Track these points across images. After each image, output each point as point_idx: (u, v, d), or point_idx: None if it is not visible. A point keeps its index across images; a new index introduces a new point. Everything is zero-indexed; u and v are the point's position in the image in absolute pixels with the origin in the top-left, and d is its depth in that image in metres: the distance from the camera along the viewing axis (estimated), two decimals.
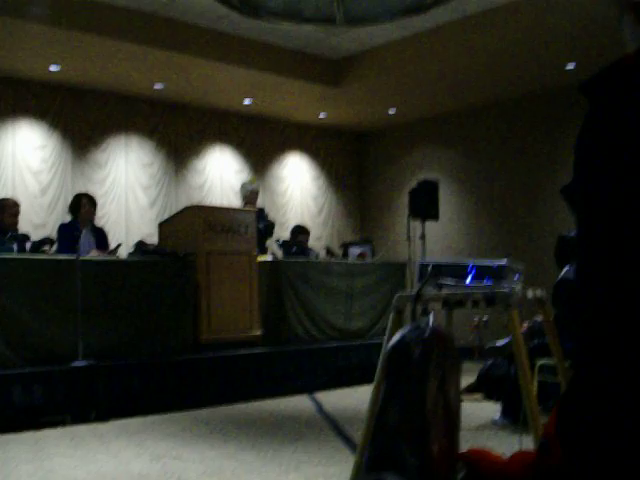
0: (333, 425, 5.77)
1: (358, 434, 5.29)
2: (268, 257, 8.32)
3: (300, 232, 9.65)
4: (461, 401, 1.56)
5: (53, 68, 9.07)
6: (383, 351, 2.49)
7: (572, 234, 5.91)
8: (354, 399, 7.17)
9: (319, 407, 6.74)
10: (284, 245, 8.83)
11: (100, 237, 7.77)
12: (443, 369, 1.45)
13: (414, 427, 1.42)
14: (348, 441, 5.11)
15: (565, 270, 5.66)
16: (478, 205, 11.39)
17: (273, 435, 5.40)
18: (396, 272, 9.30)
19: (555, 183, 10.39)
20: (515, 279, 2.54)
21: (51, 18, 7.76)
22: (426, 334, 1.45)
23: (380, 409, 1.46)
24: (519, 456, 1.54)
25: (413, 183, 9.46)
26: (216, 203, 10.68)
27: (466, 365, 7.99)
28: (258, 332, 7.63)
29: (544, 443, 1.38)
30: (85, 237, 7.12)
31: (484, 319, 10.14)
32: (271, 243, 9.20)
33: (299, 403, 7.03)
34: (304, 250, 9.24)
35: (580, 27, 8.14)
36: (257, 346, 7.60)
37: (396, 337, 1.47)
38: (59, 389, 6.08)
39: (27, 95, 9.56)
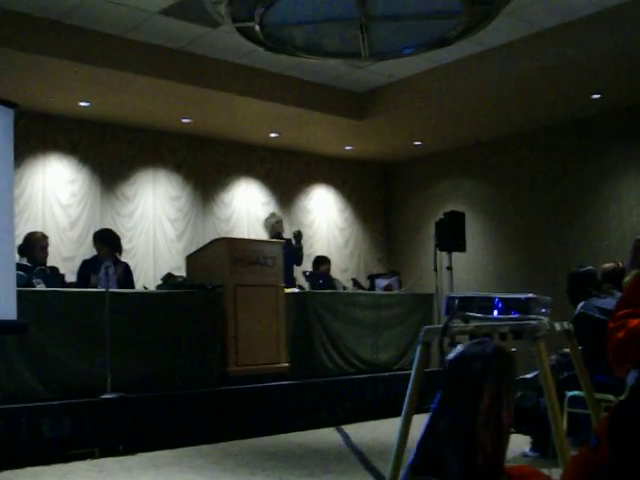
0: (361, 458, 5.74)
1: (387, 467, 5.28)
2: (295, 289, 8.34)
3: (321, 262, 9.68)
4: (512, 420, 1.56)
5: (82, 104, 9.21)
6: (411, 383, 2.49)
7: (584, 270, 5.91)
8: (382, 432, 7.14)
9: (347, 440, 6.71)
10: (311, 277, 8.85)
11: (127, 273, 7.80)
12: (500, 386, 1.46)
13: (461, 436, 1.42)
14: (377, 475, 5.08)
15: (581, 305, 5.65)
16: (505, 236, 11.35)
17: (301, 468, 5.38)
18: (423, 304, 9.28)
19: (583, 214, 10.35)
20: (542, 312, 2.54)
21: (80, 55, 7.90)
22: (488, 349, 1.46)
23: (432, 417, 1.47)
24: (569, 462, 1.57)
25: (439, 214, 9.48)
26: (243, 235, 10.74)
27: None
28: (285, 364, 7.62)
29: (594, 438, 1.43)
30: (110, 272, 7.17)
31: (513, 350, 10.05)
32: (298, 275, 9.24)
33: (327, 436, 7.00)
34: (330, 281, 9.25)
35: (603, 57, 8.15)
36: (284, 378, 7.59)
37: (457, 350, 1.48)
38: (88, 422, 6.11)
39: (57, 130, 9.72)
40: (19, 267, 6.03)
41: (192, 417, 6.70)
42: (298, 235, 9.20)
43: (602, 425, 1.50)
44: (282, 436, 6.97)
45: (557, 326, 2.63)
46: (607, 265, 6.01)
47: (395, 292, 9.32)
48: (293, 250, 8.96)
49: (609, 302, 5.53)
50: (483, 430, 1.43)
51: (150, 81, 8.54)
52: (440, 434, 1.45)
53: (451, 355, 1.49)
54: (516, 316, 2.48)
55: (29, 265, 6.93)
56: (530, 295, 2.53)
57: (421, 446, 1.47)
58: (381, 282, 9.48)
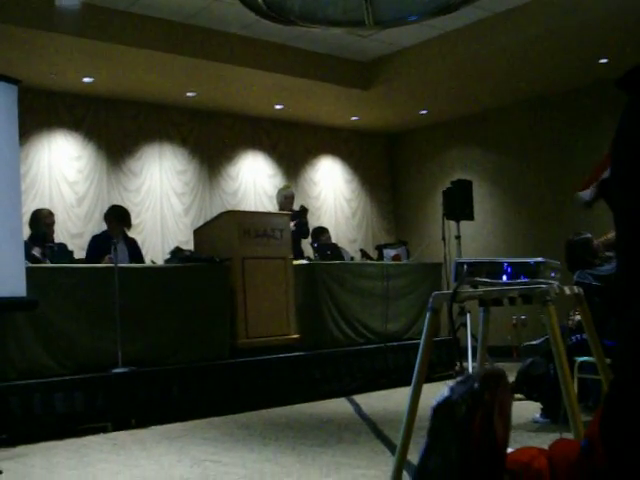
0: (372, 427, 5.77)
1: (398, 436, 5.29)
2: (303, 261, 8.34)
3: (320, 233, 9.64)
4: (509, 430, 1.55)
5: (86, 80, 9.18)
6: (420, 352, 2.49)
7: (578, 238, 5.88)
8: (392, 401, 7.17)
9: (358, 409, 6.74)
10: (319, 248, 8.84)
11: (135, 248, 7.82)
12: (492, 413, 1.44)
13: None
14: (388, 443, 5.10)
15: (577, 274, 5.64)
16: (512, 204, 11.32)
17: (312, 438, 5.40)
18: (432, 273, 9.27)
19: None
20: (552, 276, 2.53)
21: (83, 30, 7.86)
22: (475, 386, 1.44)
23: (420, 463, 1.47)
24: (559, 446, 1.53)
25: (446, 184, 9.44)
26: (250, 209, 10.73)
27: (505, 365, 7.94)
28: (295, 336, 7.64)
29: (586, 445, 1.37)
30: (121, 249, 7.18)
31: (522, 318, 10.07)
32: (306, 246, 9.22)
33: (337, 406, 7.03)
34: (338, 252, 9.24)
35: (612, 21, 8.06)
36: (294, 350, 7.61)
37: (442, 395, 1.47)
38: (100, 396, 6.14)
39: (61, 107, 9.70)
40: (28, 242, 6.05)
41: (203, 390, 6.73)
42: (303, 211, 9.15)
43: (592, 427, 1.38)
44: (293, 407, 7.00)
45: (567, 290, 2.62)
46: (611, 235, 5.98)
47: (403, 262, 9.31)
48: (299, 224, 8.94)
49: (605, 269, 5.53)
50: (478, 462, 1.42)
51: (153, 55, 8.50)
52: (432, 471, 1.45)
53: (435, 401, 1.48)
54: (525, 280, 2.47)
55: (36, 240, 6.95)
56: (539, 259, 2.51)
57: None
58: (389, 252, 9.46)
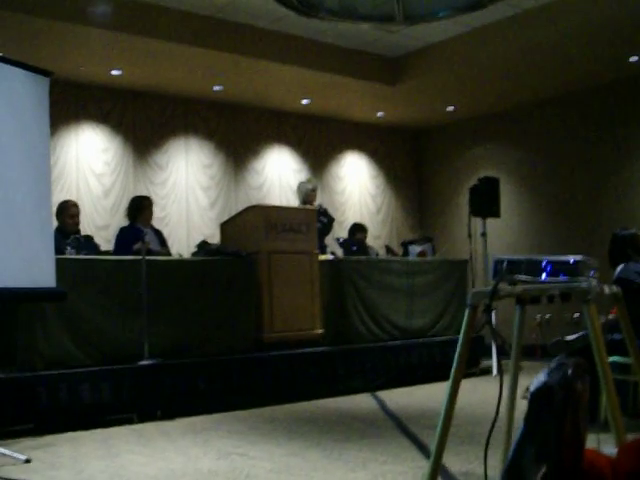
0: (397, 424, 5.75)
1: (423, 433, 5.29)
2: (328, 256, 8.32)
3: (358, 230, 9.64)
4: (587, 418, 1.55)
5: (115, 72, 9.22)
6: (459, 349, 2.47)
7: (625, 232, 5.79)
8: (416, 398, 7.16)
9: (382, 405, 6.73)
10: (344, 244, 8.82)
11: (161, 238, 7.87)
12: (580, 404, 1.44)
13: (547, 468, 1.42)
14: (414, 440, 5.09)
15: (619, 269, 5.56)
16: (539, 201, 11.25)
17: (338, 433, 5.40)
18: (457, 270, 9.23)
19: (618, 177, 10.22)
20: (590, 275, 2.51)
21: (112, 23, 7.89)
22: (569, 373, 1.44)
23: (515, 449, 1.46)
24: (628, 446, 1.53)
25: (473, 180, 9.38)
26: (275, 203, 10.73)
27: (528, 364, 7.90)
28: (320, 331, 7.64)
29: None
30: (150, 238, 7.21)
31: (546, 317, 10.02)
32: (331, 242, 9.20)
33: (362, 402, 7.03)
34: (364, 248, 9.23)
35: None
36: (319, 345, 7.61)
37: (538, 380, 1.47)
38: (126, 387, 6.18)
39: (89, 99, 9.75)
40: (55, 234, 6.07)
41: (228, 383, 6.75)
42: (323, 212, 9.01)
43: None
44: (317, 402, 7.00)
45: (606, 289, 2.59)
46: None
47: (429, 258, 9.28)
48: (323, 222, 8.90)
49: None
50: (566, 451, 1.42)
51: (181, 48, 8.51)
52: (524, 467, 1.44)
53: (533, 386, 1.47)
54: (564, 279, 2.44)
55: (63, 232, 6.99)
56: (579, 257, 2.49)
57: (509, 475, 1.46)
58: (414, 249, 9.44)
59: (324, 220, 8.88)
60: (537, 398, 1.45)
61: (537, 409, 1.44)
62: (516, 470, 1.44)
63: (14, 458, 4.62)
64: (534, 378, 1.50)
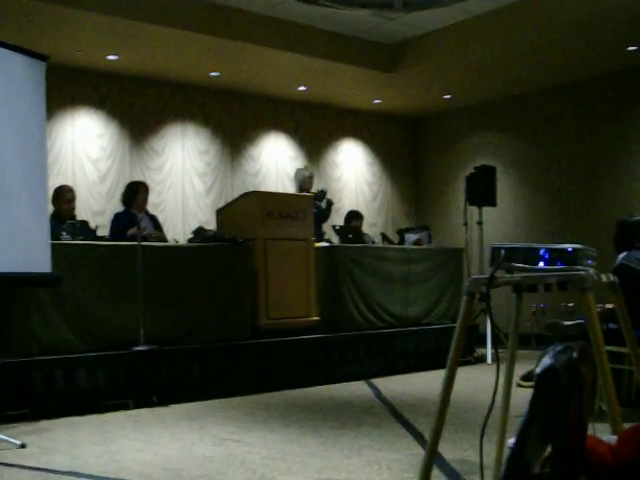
0: (392, 411, 5.77)
1: (418, 420, 5.31)
2: (324, 243, 8.32)
3: (354, 217, 9.64)
4: (594, 405, 1.57)
5: (111, 57, 9.18)
6: (455, 337, 2.47)
7: (632, 219, 5.79)
8: (411, 386, 7.17)
9: (377, 393, 6.75)
10: (340, 231, 8.82)
11: (156, 223, 7.85)
12: (583, 387, 1.45)
13: (553, 450, 1.42)
14: (409, 427, 5.10)
15: (622, 256, 5.56)
16: (535, 190, 11.25)
17: (333, 420, 5.41)
18: (453, 258, 9.24)
19: (615, 167, 10.22)
20: (588, 263, 2.51)
21: (109, 8, 7.84)
22: (574, 356, 1.44)
23: (521, 432, 1.46)
24: (628, 432, 1.53)
25: (469, 169, 9.38)
26: (271, 190, 10.71)
27: (523, 352, 7.92)
28: (316, 318, 7.64)
29: None
30: (145, 223, 7.20)
31: (541, 307, 10.04)
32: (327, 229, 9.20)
33: (357, 389, 7.04)
34: (360, 236, 9.23)
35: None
36: (314, 332, 7.62)
37: (544, 363, 1.47)
38: (121, 373, 6.18)
39: (86, 84, 9.70)
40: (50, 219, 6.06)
41: (224, 369, 6.76)
42: (322, 195, 9.01)
43: None
44: (312, 389, 7.02)
45: (603, 277, 2.59)
46: None
47: (425, 246, 9.29)
48: (320, 209, 8.91)
49: None
50: (571, 437, 1.42)
51: (178, 33, 8.47)
52: (529, 449, 1.44)
53: (538, 369, 1.47)
54: (562, 267, 2.44)
55: (58, 218, 6.98)
56: (577, 246, 2.49)
57: (512, 461, 1.47)
58: (410, 237, 9.44)
59: (320, 205, 8.88)
60: (543, 380, 1.45)
61: (543, 391, 1.45)
62: (521, 452, 1.44)
63: (9, 443, 4.62)
64: (538, 363, 1.50)
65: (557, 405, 1.41)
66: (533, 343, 9.68)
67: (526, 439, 1.44)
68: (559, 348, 1.48)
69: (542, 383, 1.46)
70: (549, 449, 1.43)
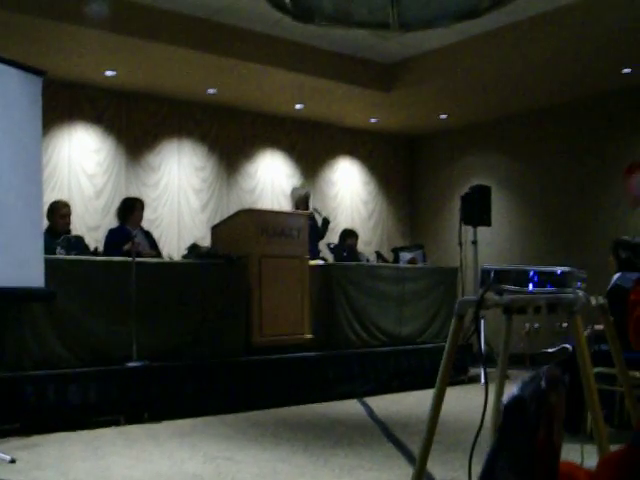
0: (384, 431, 5.76)
1: (410, 440, 5.30)
2: (319, 261, 8.33)
3: (349, 236, 9.66)
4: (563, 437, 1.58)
5: (109, 73, 9.21)
6: (445, 358, 2.48)
7: (632, 239, 5.80)
8: (404, 405, 7.16)
9: (370, 412, 6.74)
10: (335, 249, 8.83)
11: (151, 240, 7.85)
12: (553, 413, 1.46)
13: (519, 476, 1.43)
14: (401, 447, 5.09)
15: (616, 277, 5.57)
16: (530, 210, 11.28)
17: (325, 439, 5.40)
18: (447, 277, 9.26)
19: (610, 188, 10.26)
20: (577, 286, 2.52)
21: (107, 24, 7.88)
22: (542, 384, 1.45)
23: (488, 460, 1.47)
24: (608, 459, 1.54)
25: (465, 188, 9.40)
26: (267, 207, 10.73)
27: (517, 372, 7.92)
28: (309, 335, 7.64)
29: (636, 436, 1.38)
30: (140, 240, 7.20)
31: (535, 326, 10.04)
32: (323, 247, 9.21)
33: (349, 407, 7.03)
34: (354, 254, 9.24)
35: (635, 32, 8.02)
36: (308, 349, 7.61)
37: (512, 394, 1.48)
38: (114, 389, 6.16)
39: (83, 99, 9.73)
40: (45, 234, 6.06)
41: (216, 386, 6.74)
42: (315, 213, 9.02)
43: None
44: (305, 407, 7.00)
45: (593, 300, 2.60)
46: None
47: (419, 265, 9.30)
48: (316, 227, 8.93)
49: None
50: (539, 464, 1.43)
51: (176, 50, 8.51)
52: (497, 476, 1.45)
53: (505, 399, 1.49)
54: (551, 289, 2.46)
55: (54, 232, 6.98)
56: (566, 269, 2.50)
57: None
58: (405, 255, 9.46)
59: (316, 222, 8.89)
60: (509, 411, 1.46)
61: (509, 422, 1.45)
62: (491, 472, 1.45)
63: None
64: (508, 392, 1.52)
65: (524, 436, 1.42)
66: (527, 363, 9.68)
67: (492, 469, 1.45)
68: (527, 378, 1.50)
69: (509, 413, 1.47)
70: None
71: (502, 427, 1.48)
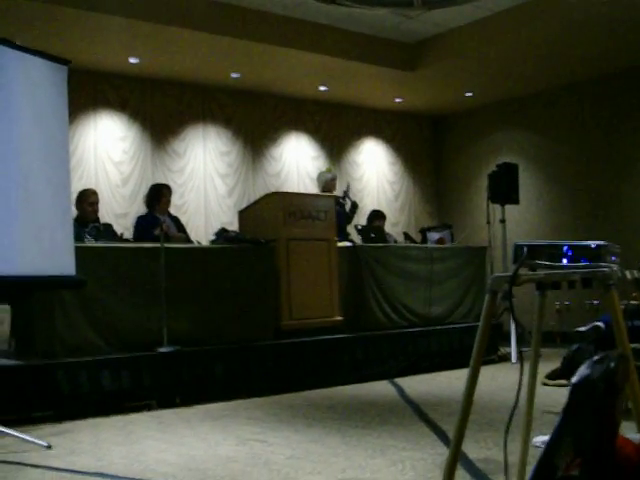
0: (416, 410, 5.75)
1: (442, 419, 5.28)
2: (347, 243, 8.31)
3: (376, 217, 9.63)
4: (624, 408, 1.57)
5: (132, 60, 9.22)
6: (479, 335, 2.46)
7: None
8: (435, 385, 7.15)
9: (401, 392, 6.73)
10: (363, 231, 8.81)
11: (179, 225, 7.88)
12: (618, 394, 1.45)
13: (586, 453, 1.42)
14: (433, 426, 5.08)
15: None
16: (559, 188, 11.17)
17: (357, 420, 5.40)
18: (476, 257, 9.20)
19: (639, 164, 10.13)
20: (612, 260, 2.48)
21: (130, 11, 7.88)
22: (611, 366, 1.44)
23: (555, 435, 1.46)
24: None
25: (491, 167, 9.32)
26: (293, 190, 10.72)
27: (548, 351, 7.87)
28: (339, 318, 7.63)
29: None
30: (169, 225, 7.23)
31: (566, 304, 9.97)
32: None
33: (380, 389, 7.03)
34: (382, 235, 9.20)
35: None
36: (337, 332, 7.61)
37: (581, 373, 1.47)
38: (145, 374, 6.21)
39: (107, 87, 9.76)
40: (74, 222, 6.10)
41: (246, 370, 6.77)
42: (344, 197, 9.01)
43: None
44: (336, 389, 7.01)
45: (627, 274, 2.56)
46: None
47: (447, 245, 9.25)
48: (344, 209, 8.93)
49: None
50: (603, 441, 1.42)
51: (199, 36, 8.50)
52: (560, 457, 1.44)
53: (575, 378, 1.47)
54: (586, 264, 2.42)
55: (82, 221, 7.03)
56: (601, 242, 2.46)
57: (543, 463, 1.47)
58: (433, 235, 9.41)
59: (344, 204, 8.89)
60: (578, 390, 1.45)
61: (577, 401, 1.44)
62: (550, 458, 1.43)
63: (35, 444, 4.65)
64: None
65: (591, 416, 1.41)
66: (558, 341, 9.61)
67: (557, 446, 1.44)
68: (597, 358, 1.49)
69: (577, 393, 1.46)
70: (578, 460, 1.43)
71: (569, 404, 1.47)
